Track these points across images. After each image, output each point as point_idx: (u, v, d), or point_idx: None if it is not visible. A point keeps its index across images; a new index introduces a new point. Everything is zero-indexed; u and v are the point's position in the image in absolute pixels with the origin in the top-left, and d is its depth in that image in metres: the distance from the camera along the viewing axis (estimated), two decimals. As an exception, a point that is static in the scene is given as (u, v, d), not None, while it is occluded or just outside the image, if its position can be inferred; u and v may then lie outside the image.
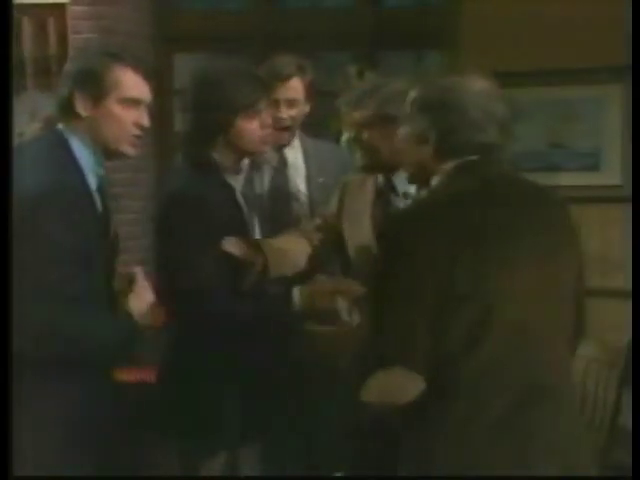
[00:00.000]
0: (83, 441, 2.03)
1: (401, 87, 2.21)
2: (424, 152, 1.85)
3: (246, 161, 2.61)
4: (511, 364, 1.75)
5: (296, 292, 2.34)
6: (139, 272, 2.16)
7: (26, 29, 4.20)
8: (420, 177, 1.91)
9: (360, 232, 2.55)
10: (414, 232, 1.74)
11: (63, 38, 4.20)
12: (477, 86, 1.85)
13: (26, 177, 1.95)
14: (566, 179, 3.70)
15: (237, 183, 2.50)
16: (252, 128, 2.39)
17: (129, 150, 2.12)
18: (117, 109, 2.07)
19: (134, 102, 2.11)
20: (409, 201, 2.45)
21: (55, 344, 1.93)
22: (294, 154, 2.94)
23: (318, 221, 2.68)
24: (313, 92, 2.90)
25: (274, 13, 4.66)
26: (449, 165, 1.84)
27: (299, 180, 2.92)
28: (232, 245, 2.36)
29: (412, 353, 1.71)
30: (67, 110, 2.06)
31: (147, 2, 4.56)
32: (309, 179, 2.91)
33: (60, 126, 2.10)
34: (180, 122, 2.48)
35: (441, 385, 1.73)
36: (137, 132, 2.11)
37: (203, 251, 2.31)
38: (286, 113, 2.83)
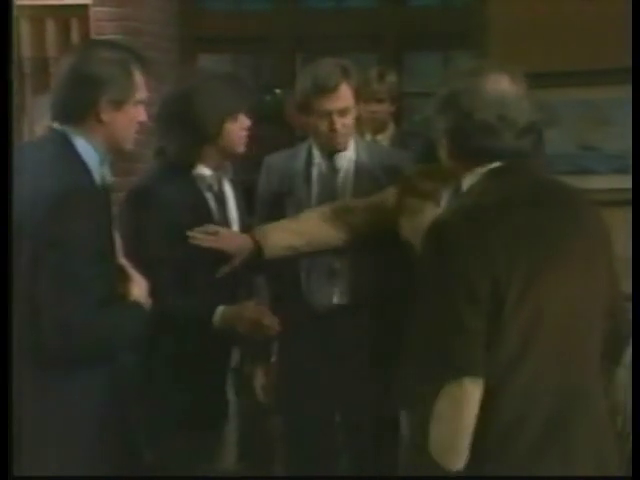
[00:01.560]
0: (110, 436, 2.06)
1: None
2: (442, 154, 1.86)
3: (228, 164, 2.65)
4: (556, 368, 1.75)
5: (219, 311, 2.45)
6: (124, 262, 2.19)
7: (49, 30, 4.21)
8: (447, 180, 1.93)
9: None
10: (469, 235, 1.71)
11: (86, 39, 4.12)
12: (496, 88, 1.80)
13: (39, 178, 1.97)
14: (597, 182, 3.63)
15: (213, 185, 2.58)
16: (235, 130, 2.53)
17: (130, 147, 2.18)
18: (133, 111, 2.13)
19: (142, 102, 2.16)
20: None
21: (88, 343, 1.97)
22: (347, 160, 2.81)
23: (375, 200, 2.65)
24: (361, 93, 2.81)
25: (298, 14, 4.68)
26: (479, 171, 1.82)
27: (347, 187, 2.80)
28: (203, 237, 2.46)
29: (477, 359, 1.69)
30: (85, 114, 2.07)
31: (171, 3, 4.59)
32: (358, 185, 2.79)
33: (57, 126, 2.09)
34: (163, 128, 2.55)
35: (493, 388, 1.71)
36: (137, 128, 2.17)
37: (149, 248, 2.40)
38: (340, 123, 2.70)
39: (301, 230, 2.61)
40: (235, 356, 2.68)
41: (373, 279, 2.73)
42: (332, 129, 2.70)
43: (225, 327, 2.46)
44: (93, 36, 4.13)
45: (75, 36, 4.22)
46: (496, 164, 1.81)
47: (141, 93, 2.14)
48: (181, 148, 2.49)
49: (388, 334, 2.67)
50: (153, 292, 2.23)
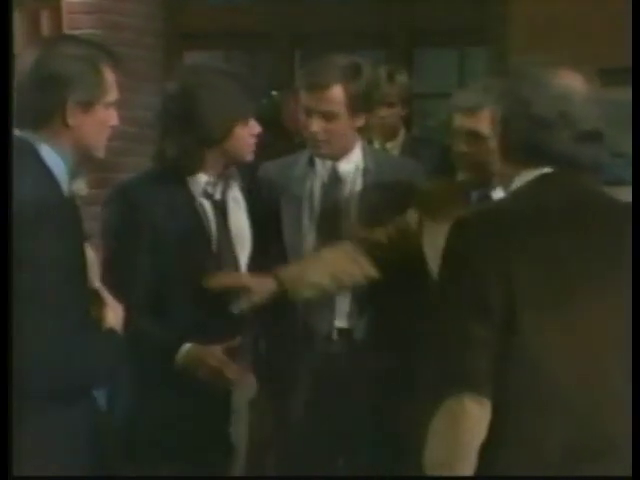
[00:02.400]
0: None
1: None
2: (489, 149, 1.87)
3: (234, 169, 2.54)
4: (572, 406, 1.68)
5: (184, 349, 2.36)
6: (100, 286, 2.13)
7: (17, 24, 4.05)
8: (482, 180, 1.95)
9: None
10: (488, 237, 1.68)
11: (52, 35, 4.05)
12: (561, 83, 1.72)
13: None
14: (630, 194, 3.39)
15: (214, 193, 2.50)
16: (244, 136, 2.44)
17: (101, 155, 2.09)
18: (103, 114, 2.05)
19: (114, 104, 2.09)
20: None
21: (59, 375, 1.90)
22: (353, 169, 2.69)
23: (390, 230, 2.60)
24: (365, 101, 2.62)
25: (297, 7, 4.56)
26: (527, 175, 1.75)
27: (353, 199, 2.68)
28: (222, 279, 2.40)
29: (481, 375, 1.65)
30: (49, 117, 1.98)
31: (156, -6, 4.58)
32: (365, 198, 2.66)
33: (18, 132, 2.00)
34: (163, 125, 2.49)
35: (503, 409, 1.66)
36: (109, 133, 2.10)
37: (127, 256, 2.36)
38: (318, 125, 2.56)
39: (329, 269, 2.54)
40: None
41: (380, 300, 2.63)
42: (309, 131, 2.61)
43: (187, 367, 2.36)
44: (66, 30, 4.02)
45: (45, 30, 4.10)
46: (547, 170, 1.74)
47: (112, 94, 2.06)
48: (182, 151, 2.41)
49: (396, 362, 2.58)
50: (127, 309, 2.16)
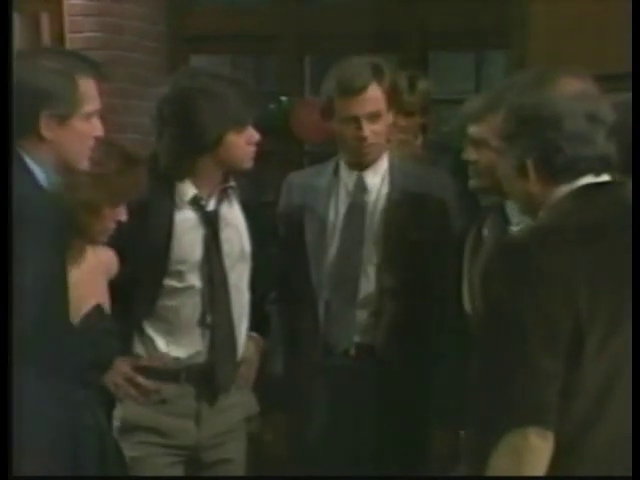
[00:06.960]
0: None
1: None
2: (529, 182, 1.81)
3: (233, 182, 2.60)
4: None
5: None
6: None
7: (16, 26, 4.05)
8: (531, 208, 1.86)
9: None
10: (547, 259, 1.68)
11: (59, 37, 4.11)
12: (572, 90, 1.79)
13: None
14: None
15: (206, 204, 2.56)
16: (239, 144, 2.51)
17: (86, 165, 2.17)
18: (81, 126, 2.13)
19: (94, 114, 2.16)
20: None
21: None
22: (379, 178, 2.75)
23: None
24: (395, 96, 2.74)
25: (306, 8, 4.60)
26: (563, 190, 1.78)
27: (378, 209, 2.73)
28: None
29: (547, 408, 1.65)
30: (25, 130, 2.08)
31: (159, -4, 4.55)
32: (391, 208, 2.71)
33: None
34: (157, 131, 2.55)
35: (564, 447, 1.66)
36: (92, 144, 2.17)
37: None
38: (368, 129, 2.63)
39: None
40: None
41: (403, 314, 2.67)
42: (359, 137, 2.64)
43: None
44: (67, 34, 4.06)
45: (45, 34, 4.11)
46: (587, 179, 1.77)
47: (91, 105, 2.13)
48: (172, 155, 2.50)
49: (417, 380, 2.63)
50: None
